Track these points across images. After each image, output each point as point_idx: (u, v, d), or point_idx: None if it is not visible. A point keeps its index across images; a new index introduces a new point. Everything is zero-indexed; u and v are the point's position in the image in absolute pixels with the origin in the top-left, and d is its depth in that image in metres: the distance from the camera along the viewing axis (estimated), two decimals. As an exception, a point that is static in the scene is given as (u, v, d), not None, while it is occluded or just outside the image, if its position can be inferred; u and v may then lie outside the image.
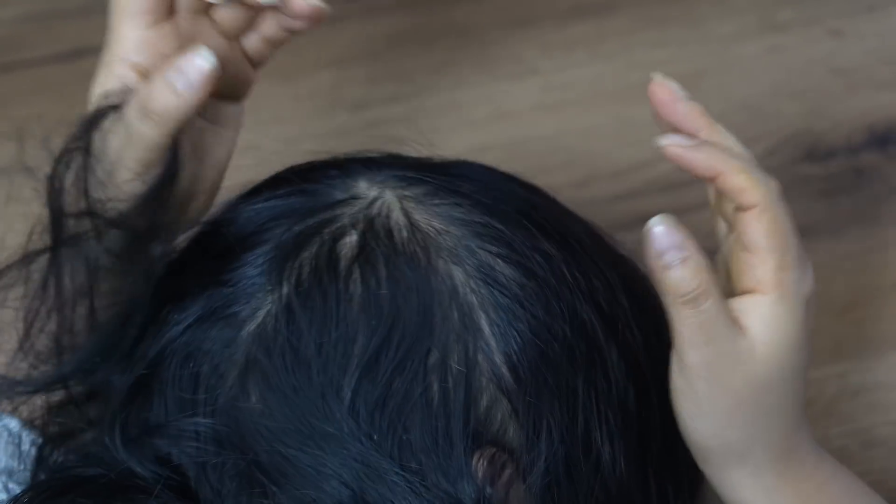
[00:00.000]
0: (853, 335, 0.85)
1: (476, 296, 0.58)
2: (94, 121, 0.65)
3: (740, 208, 0.60)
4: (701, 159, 0.60)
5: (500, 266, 0.59)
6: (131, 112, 0.64)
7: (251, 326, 0.59)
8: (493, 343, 0.58)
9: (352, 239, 0.59)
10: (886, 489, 0.73)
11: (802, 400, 0.62)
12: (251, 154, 0.77)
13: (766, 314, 0.59)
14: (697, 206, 0.92)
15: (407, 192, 0.61)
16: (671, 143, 0.61)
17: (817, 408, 0.81)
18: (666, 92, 0.64)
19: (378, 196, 0.61)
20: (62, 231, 0.63)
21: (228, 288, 0.60)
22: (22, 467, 0.66)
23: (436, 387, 0.57)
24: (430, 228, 0.60)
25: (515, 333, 0.58)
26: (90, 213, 0.63)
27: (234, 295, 0.60)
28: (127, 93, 0.65)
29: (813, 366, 0.83)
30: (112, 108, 0.65)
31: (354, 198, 0.61)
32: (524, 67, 1.00)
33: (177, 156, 0.65)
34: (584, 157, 0.94)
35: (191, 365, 0.60)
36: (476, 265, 0.59)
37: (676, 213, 0.90)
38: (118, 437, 0.60)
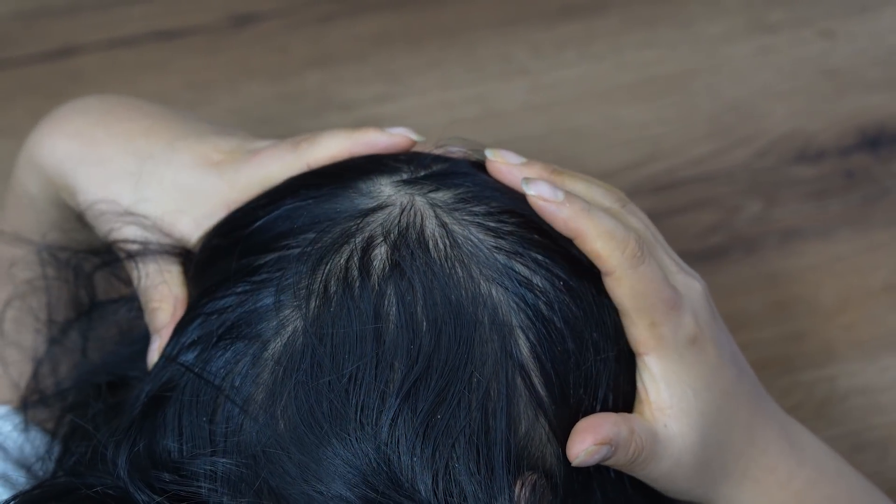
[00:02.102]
0: (843, 338, 0.84)
1: (515, 316, 0.55)
2: (118, 256, 0.64)
3: (602, 272, 0.58)
4: (563, 217, 0.58)
5: (538, 281, 0.56)
6: (144, 300, 0.62)
7: (277, 345, 0.55)
8: (531, 364, 0.55)
9: (383, 251, 0.56)
10: (876, 493, 0.73)
11: (750, 411, 0.62)
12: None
13: (657, 376, 0.58)
14: (686, 207, 0.92)
15: (437, 199, 0.58)
16: (537, 195, 0.58)
17: (807, 411, 0.81)
18: (503, 166, 0.61)
19: (409, 203, 0.58)
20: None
21: (249, 304, 0.56)
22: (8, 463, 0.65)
23: (478, 415, 0.54)
24: (468, 242, 0.56)
25: (554, 353, 0.56)
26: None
27: (255, 311, 0.56)
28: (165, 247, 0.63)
29: (803, 369, 0.84)
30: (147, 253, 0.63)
31: (382, 205, 0.58)
32: (513, 67, 1.00)
33: None
34: (572, 158, 0.94)
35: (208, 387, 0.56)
36: (514, 282, 0.56)
37: (665, 213, 0.91)
38: (124, 460, 0.55)
